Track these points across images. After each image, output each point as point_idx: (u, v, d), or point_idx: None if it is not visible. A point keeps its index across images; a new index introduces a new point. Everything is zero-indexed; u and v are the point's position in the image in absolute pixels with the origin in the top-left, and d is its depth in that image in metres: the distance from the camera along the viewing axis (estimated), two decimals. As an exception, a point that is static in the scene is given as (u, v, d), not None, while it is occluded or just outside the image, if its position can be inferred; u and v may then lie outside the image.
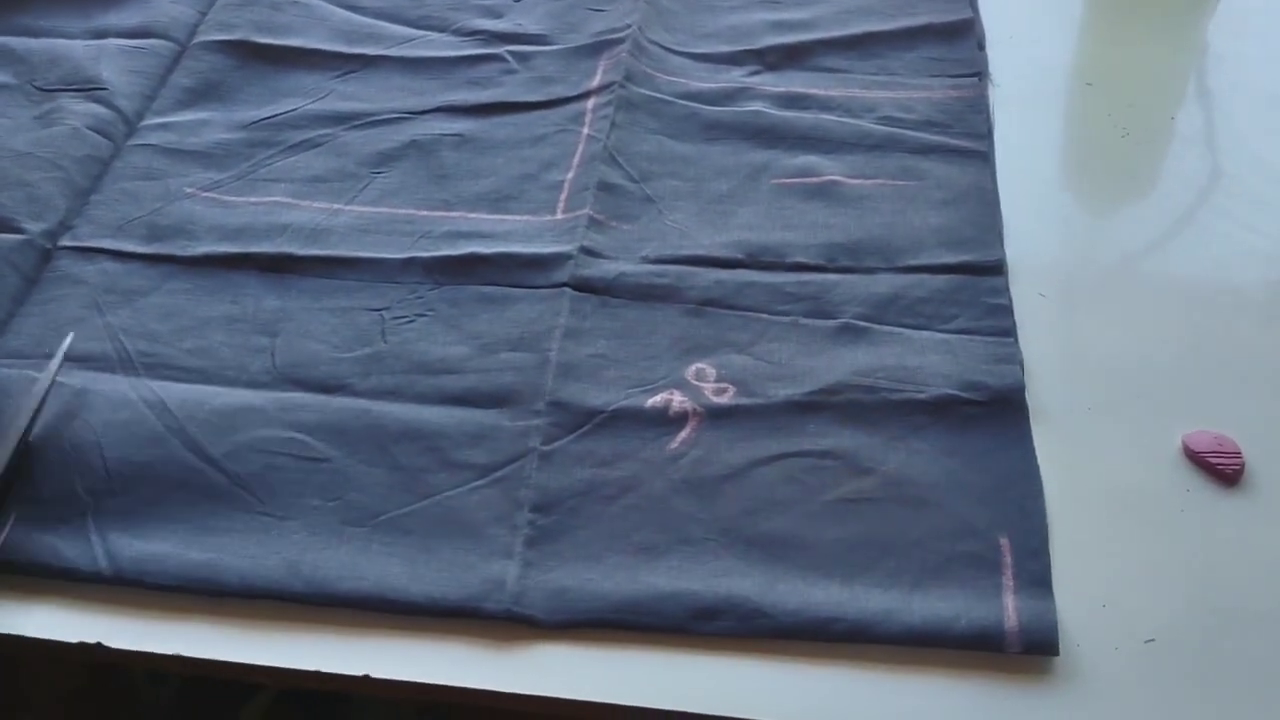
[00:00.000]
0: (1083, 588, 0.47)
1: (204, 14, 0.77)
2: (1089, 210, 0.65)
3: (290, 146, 0.68)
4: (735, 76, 0.72)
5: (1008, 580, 0.46)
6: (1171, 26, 0.78)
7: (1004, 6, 0.78)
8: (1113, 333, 0.57)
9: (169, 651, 0.46)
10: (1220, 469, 0.51)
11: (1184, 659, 0.45)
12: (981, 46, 0.74)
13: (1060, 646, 0.44)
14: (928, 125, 0.68)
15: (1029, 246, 0.62)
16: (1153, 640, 0.45)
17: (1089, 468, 0.51)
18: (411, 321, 0.58)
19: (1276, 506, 0.50)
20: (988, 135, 0.67)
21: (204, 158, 0.68)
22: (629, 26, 0.73)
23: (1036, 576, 0.46)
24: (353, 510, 0.51)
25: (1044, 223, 0.64)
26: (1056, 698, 0.44)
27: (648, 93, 0.70)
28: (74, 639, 0.46)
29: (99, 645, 0.46)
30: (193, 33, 0.76)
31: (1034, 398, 0.54)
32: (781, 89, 0.71)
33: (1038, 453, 0.51)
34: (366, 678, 0.45)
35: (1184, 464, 0.51)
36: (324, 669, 0.46)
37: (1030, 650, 0.44)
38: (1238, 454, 0.51)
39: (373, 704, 0.75)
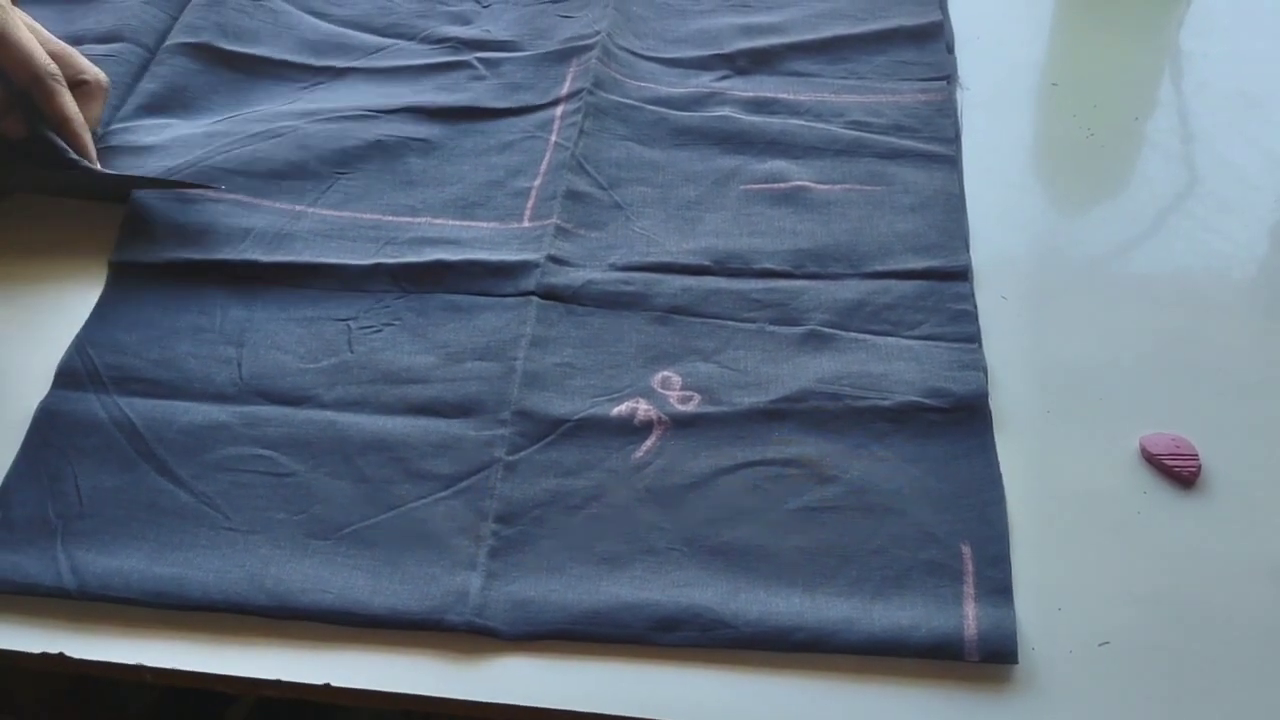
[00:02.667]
0: (1038, 591, 0.47)
1: (175, 18, 0.77)
2: (1052, 212, 0.65)
3: (250, 136, 0.67)
4: (704, 81, 0.72)
5: (968, 588, 0.46)
6: (1141, 27, 0.78)
7: (973, 7, 0.78)
8: (1074, 335, 0.58)
9: (133, 662, 0.46)
10: (1177, 471, 0.51)
11: (1138, 662, 0.45)
12: (950, 49, 0.74)
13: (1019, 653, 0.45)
14: (896, 130, 0.68)
15: (991, 249, 0.62)
16: (1107, 643, 0.46)
17: (1047, 471, 0.52)
18: (379, 331, 0.58)
19: (1232, 508, 0.50)
20: (955, 139, 0.67)
21: (160, 150, 0.67)
22: (598, 33, 0.73)
23: (997, 584, 0.46)
24: (318, 523, 0.51)
25: (1007, 225, 0.64)
26: (1012, 703, 0.44)
27: (617, 99, 0.70)
28: (37, 649, 0.46)
29: (61, 655, 0.46)
30: (163, 38, 0.75)
31: (995, 402, 0.54)
32: (751, 94, 0.71)
33: (1002, 460, 0.52)
34: (327, 686, 0.45)
35: (1142, 466, 0.52)
36: (285, 678, 0.46)
37: (989, 659, 0.44)
38: (1194, 456, 0.51)
39: (358, 710, 0.75)
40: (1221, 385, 0.55)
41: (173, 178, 0.64)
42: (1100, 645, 0.45)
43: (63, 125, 0.64)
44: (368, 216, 0.64)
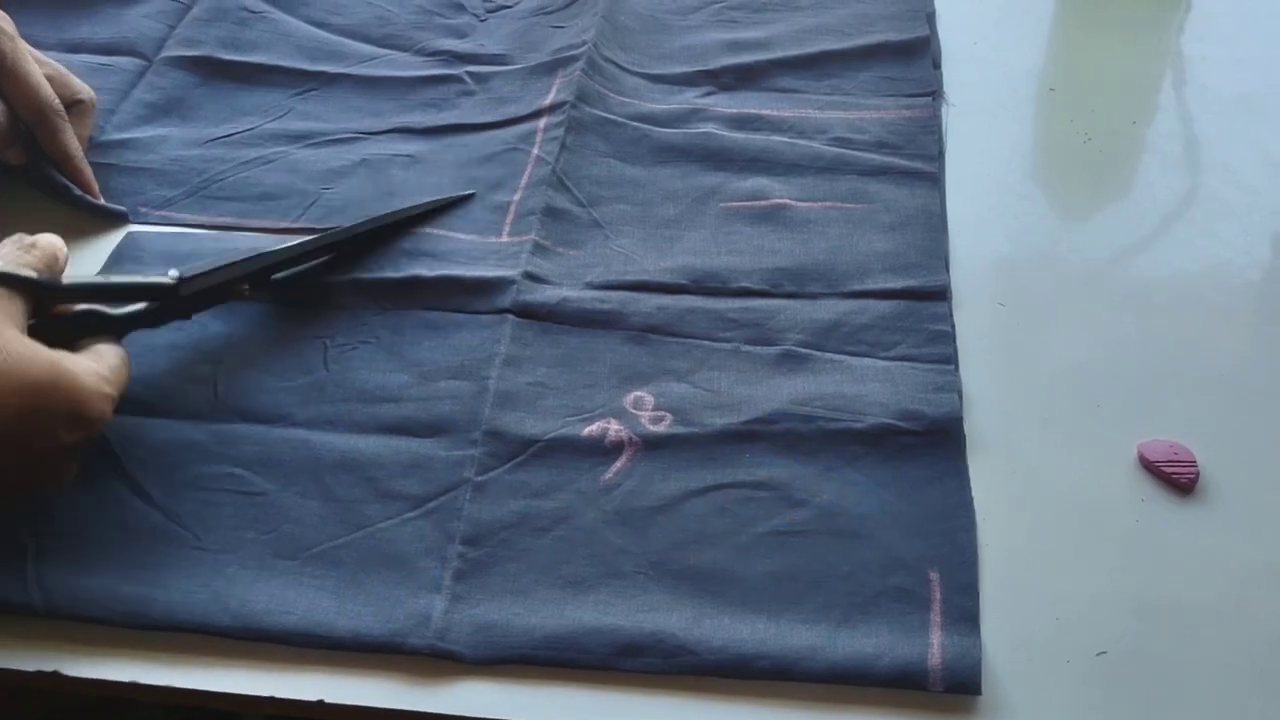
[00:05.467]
0: (1035, 601, 0.47)
1: (173, 28, 0.77)
2: (1050, 217, 0.65)
3: (244, 163, 0.68)
4: (689, 98, 0.72)
5: (935, 616, 0.46)
6: (1139, 31, 0.78)
7: (969, 13, 0.78)
8: (1072, 342, 0.57)
9: (128, 680, 0.46)
10: (1175, 478, 0.50)
11: (1137, 671, 0.45)
12: (937, 65, 0.73)
13: (1013, 662, 0.44)
14: (879, 146, 0.67)
15: (988, 255, 0.62)
16: (1104, 653, 0.45)
17: (1045, 478, 0.51)
18: (355, 349, 0.58)
19: (1231, 515, 0.50)
20: (938, 157, 0.67)
21: (158, 175, 0.68)
22: (585, 43, 0.73)
23: (964, 612, 0.46)
24: (286, 543, 0.50)
25: (1004, 231, 0.63)
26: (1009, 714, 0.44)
27: (600, 113, 0.70)
28: (31, 668, 0.47)
29: (55, 673, 0.46)
30: (160, 48, 0.76)
31: (992, 410, 0.54)
32: (734, 110, 0.70)
33: (990, 470, 0.51)
34: (272, 699, 0.45)
35: (1139, 473, 0.51)
36: (278, 695, 0.46)
37: (952, 689, 0.43)
38: (1193, 463, 0.51)
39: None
40: (1221, 391, 0.55)
41: (169, 211, 0.66)
42: (1098, 655, 0.45)
43: (65, 162, 0.65)
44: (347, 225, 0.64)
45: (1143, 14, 0.79)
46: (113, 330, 0.53)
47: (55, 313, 0.51)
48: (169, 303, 0.54)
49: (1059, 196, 0.66)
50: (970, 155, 0.67)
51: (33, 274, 0.49)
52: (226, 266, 0.56)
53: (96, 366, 0.50)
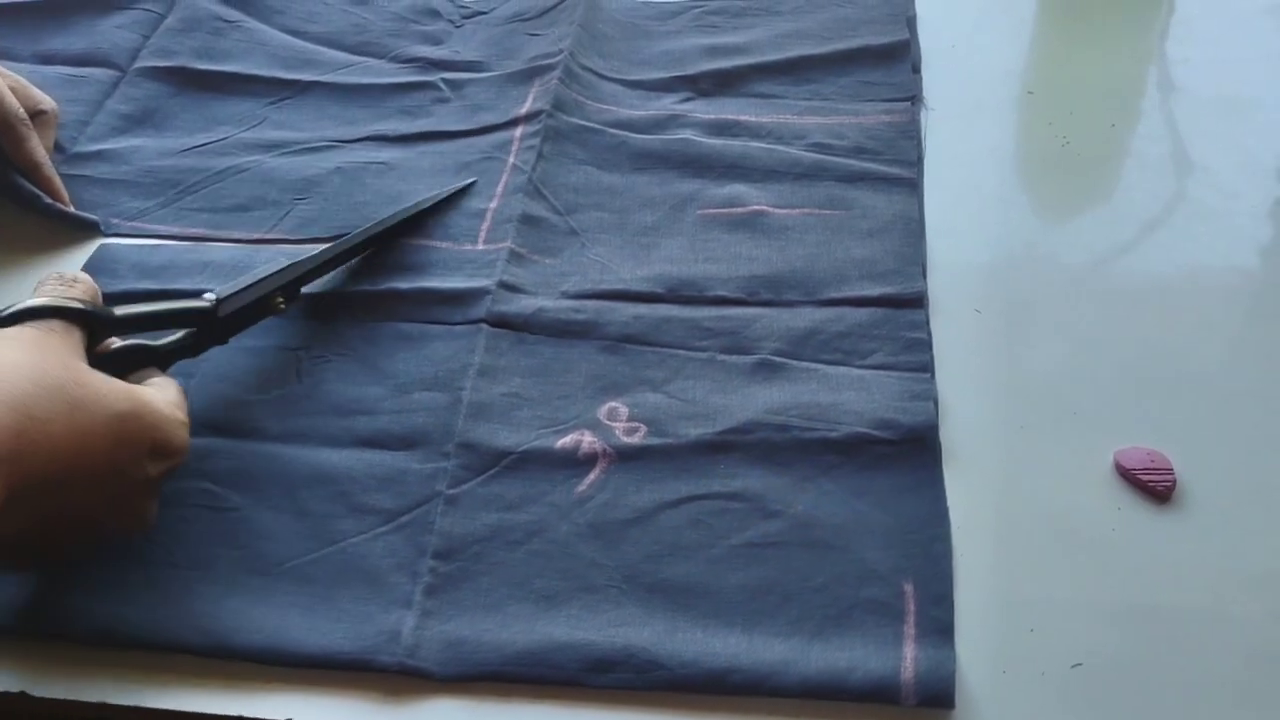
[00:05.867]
0: (1010, 612, 0.46)
1: (146, 38, 0.77)
2: (1027, 222, 0.64)
3: (217, 173, 0.68)
4: (667, 104, 0.71)
5: (909, 629, 0.45)
6: (1120, 34, 0.77)
7: (948, 15, 0.77)
8: (1049, 348, 0.57)
9: (96, 700, 0.46)
10: (1152, 486, 0.50)
11: (1113, 683, 0.44)
12: (917, 69, 0.73)
13: (987, 675, 0.44)
14: (857, 152, 0.67)
15: (965, 260, 0.61)
16: (1080, 665, 0.45)
17: (1021, 487, 0.51)
18: (329, 360, 0.58)
19: (1208, 523, 0.49)
20: (917, 162, 0.66)
21: (132, 186, 0.67)
22: (561, 52, 0.73)
23: (939, 625, 0.45)
24: (258, 559, 0.50)
25: (980, 235, 0.63)
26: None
27: (577, 121, 0.69)
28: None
29: (22, 694, 0.46)
30: (134, 58, 0.75)
31: (968, 418, 0.53)
32: (713, 116, 0.70)
33: (966, 479, 0.51)
34: (240, 718, 0.45)
35: (1116, 482, 0.51)
36: (245, 714, 0.45)
37: (925, 703, 0.43)
38: (1170, 471, 0.50)
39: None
40: (1198, 397, 0.54)
41: (142, 222, 0.65)
42: (1074, 667, 0.44)
43: (33, 170, 0.65)
44: (326, 241, 0.63)
45: (1123, 16, 0.78)
46: (158, 363, 0.52)
47: (99, 349, 0.50)
48: (208, 327, 0.54)
49: (1037, 201, 0.66)
50: (948, 159, 0.67)
51: (87, 306, 0.48)
52: (259, 282, 0.55)
53: (167, 396, 0.48)
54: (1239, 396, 0.54)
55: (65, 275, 0.49)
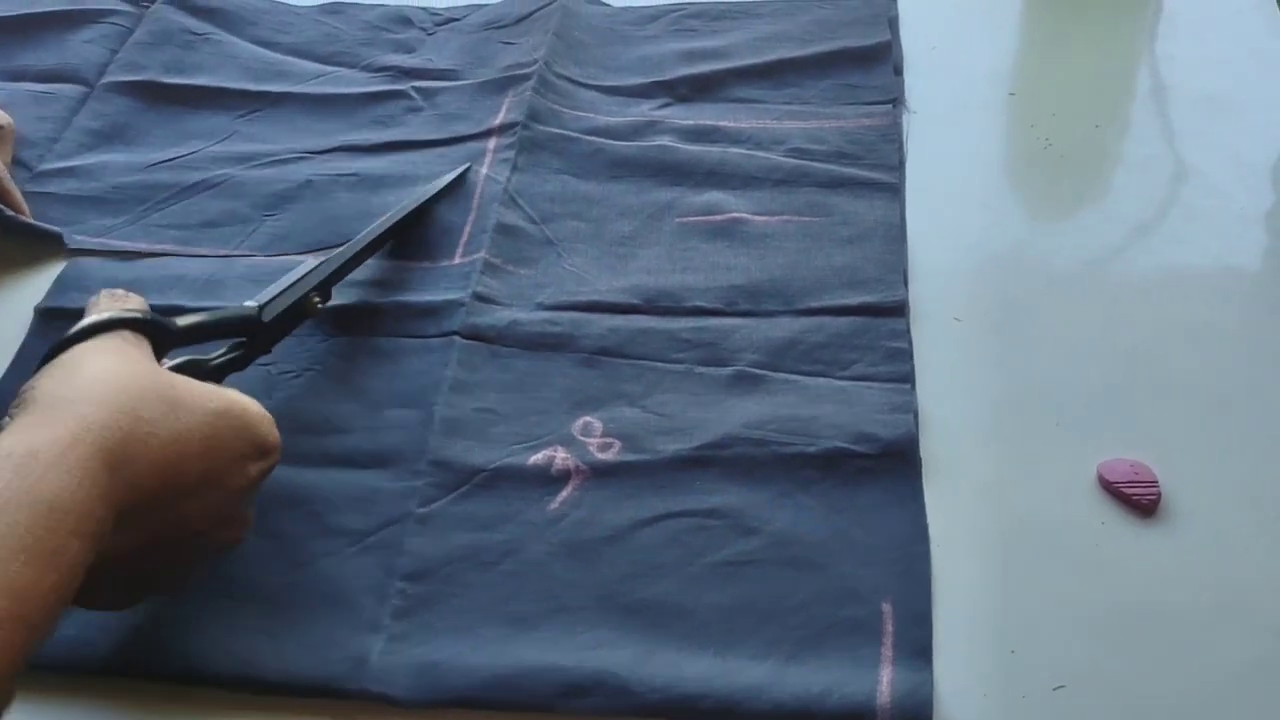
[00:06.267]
0: (990, 632, 0.45)
1: (115, 53, 0.76)
2: (1008, 227, 0.63)
3: (186, 188, 0.67)
4: (644, 110, 0.70)
5: (886, 650, 0.44)
6: (1105, 32, 0.76)
7: (930, 15, 0.76)
8: (1031, 357, 0.55)
9: None
10: (1136, 500, 0.49)
11: (1097, 706, 0.43)
12: (899, 71, 0.72)
13: (967, 698, 0.43)
14: (838, 157, 0.66)
15: (944, 268, 0.60)
16: (1062, 687, 0.43)
17: (1002, 502, 0.50)
18: (299, 377, 0.57)
19: (1194, 537, 0.48)
20: (899, 166, 0.65)
21: (100, 203, 0.66)
22: (536, 61, 0.72)
23: (917, 645, 0.44)
24: (228, 582, 0.49)
25: (960, 241, 0.61)
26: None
27: (554, 130, 0.68)
28: None
29: None
30: (103, 73, 0.74)
31: (948, 429, 0.52)
32: (691, 122, 0.69)
33: (946, 493, 0.50)
34: None
35: (1099, 495, 0.49)
36: None
37: (901, 727, 0.42)
38: (1154, 484, 0.49)
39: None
40: (1183, 407, 0.53)
41: (111, 240, 0.64)
42: (1056, 689, 0.43)
43: None
44: (294, 257, 0.62)
45: (1108, 15, 0.77)
46: (212, 378, 0.51)
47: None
48: (254, 338, 0.53)
49: (1019, 205, 0.65)
50: (930, 163, 0.66)
51: (151, 316, 0.46)
52: (296, 284, 0.55)
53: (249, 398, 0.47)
54: (1225, 406, 0.53)
55: (116, 292, 0.48)
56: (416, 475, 0.52)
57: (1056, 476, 0.50)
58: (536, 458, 0.52)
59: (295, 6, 0.79)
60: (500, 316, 0.58)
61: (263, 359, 0.57)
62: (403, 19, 0.77)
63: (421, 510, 0.50)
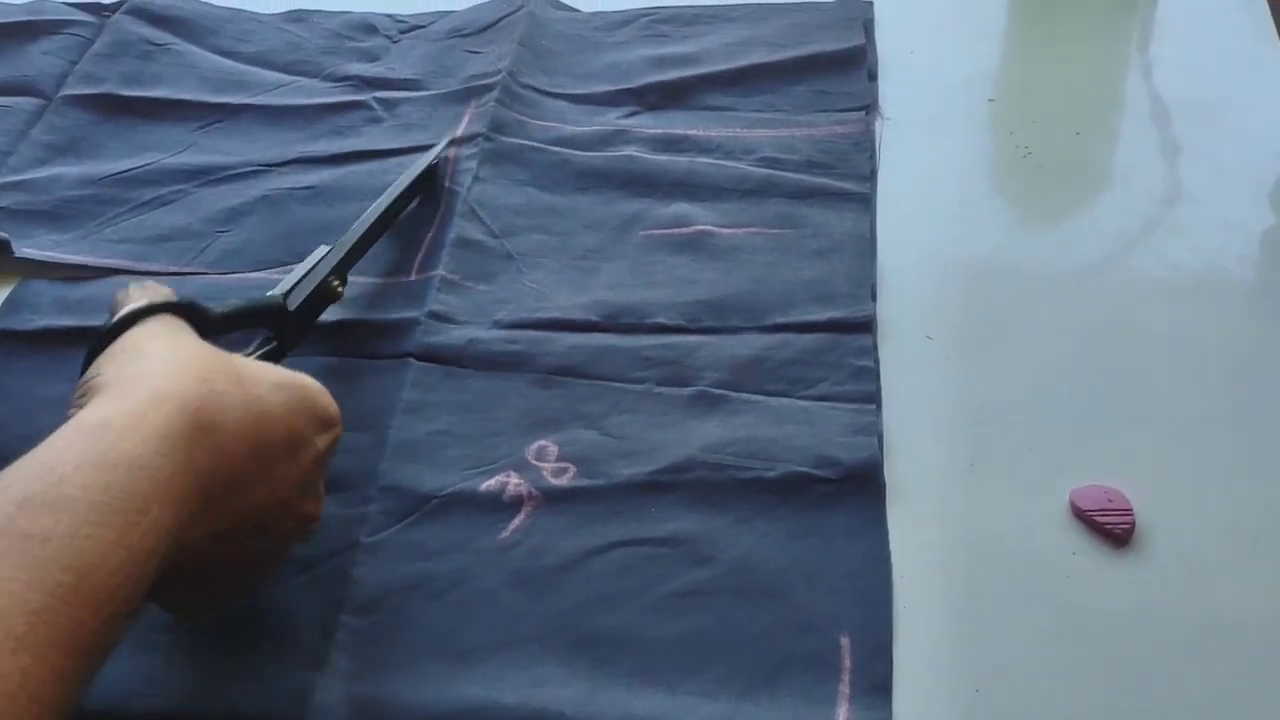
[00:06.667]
0: (953, 669, 0.43)
1: (74, 64, 0.74)
2: (983, 240, 0.61)
3: (141, 204, 0.65)
4: (611, 119, 0.68)
5: (844, 686, 0.42)
6: (1087, 38, 0.73)
7: (909, 20, 0.74)
8: (1004, 376, 0.53)
9: None
10: (1109, 529, 0.47)
11: None
12: (873, 77, 0.70)
13: None
14: (809, 166, 0.64)
15: (915, 283, 0.58)
16: None
17: (969, 530, 0.47)
18: (251, 400, 0.55)
19: (1169, 568, 0.46)
20: (871, 176, 0.63)
21: (50, 218, 0.65)
22: (500, 72, 0.70)
23: (876, 681, 0.42)
24: (166, 613, 0.47)
25: (933, 255, 0.59)
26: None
27: (518, 141, 0.67)
28: None
29: None
30: (60, 85, 0.73)
31: (916, 453, 0.50)
32: (659, 131, 0.67)
33: (911, 519, 0.48)
34: None
35: (1071, 523, 0.47)
36: None
37: (857, 769, 0.40)
38: (1128, 511, 0.47)
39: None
40: (1159, 431, 0.51)
41: (60, 254, 0.62)
42: None
43: None
44: (251, 275, 0.61)
45: (1096, 18, 0.75)
46: None
47: None
48: (282, 328, 0.52)
49: (995, 216, 0.62)
50: (903, 172, 0.64)
51: (190, 299, 0.45)
52: (312, 270, 0.54)
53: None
54: (1205, 429, 0.51)
55: (146, 284, 0.45)
56: (366, 501, 0.50)
57: (1027, 503, 0.48)
58: (489, 483, 0.50)
59: (258, 15, 0.77)
60: (457, 336, 0.57)
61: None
62: (367, 26, 0.76)
63: (369, 539, 0.49)
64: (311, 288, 0.54)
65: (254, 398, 0.40)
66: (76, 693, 0.31)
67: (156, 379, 0.37)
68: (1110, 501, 0.47)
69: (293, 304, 0.53)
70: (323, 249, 0.56)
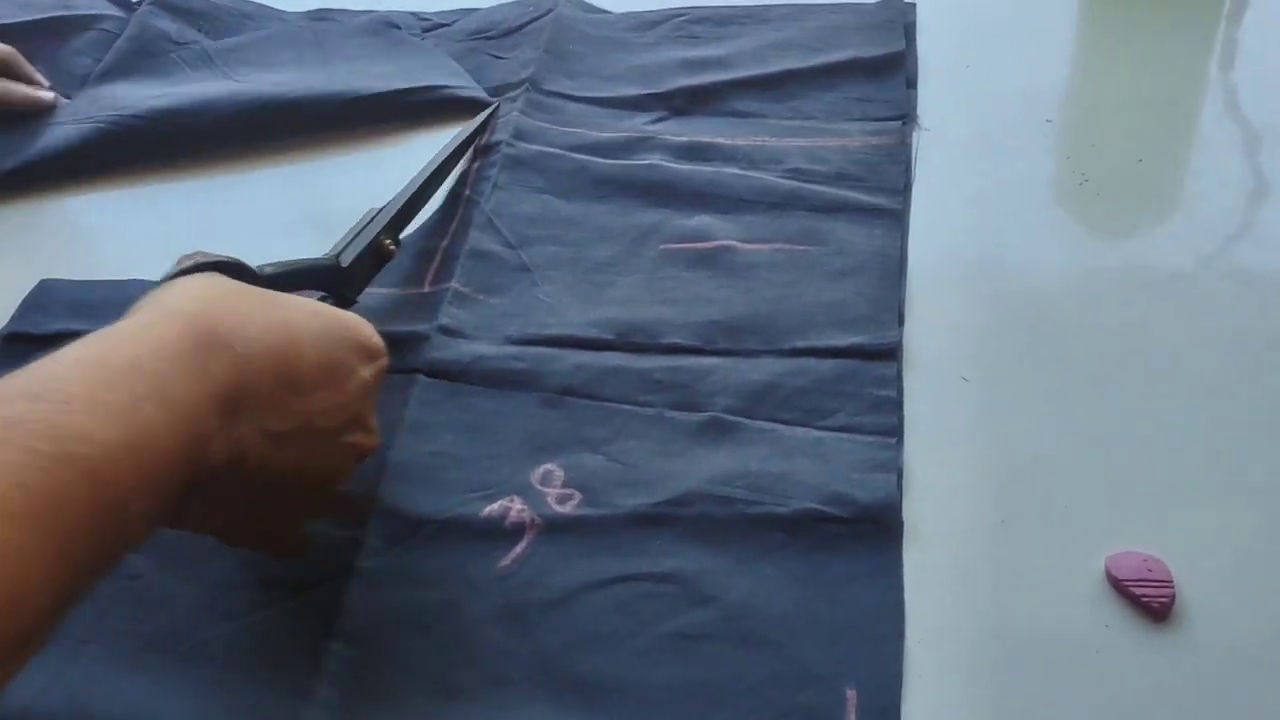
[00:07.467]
0: None
1: (98, 60, 0.74)
2: (1028, 273, 0.56)
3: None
4: (637, 124, 0.66)
5: (845, 745, 0.40)
6: (1166, 56, 0.67)
7: (961, 29, 0.70)
8: (1042, 427, 0.49)
9: None
10: (1147, 602, 0.43)
11: None
12: (912, 84, 0.66)
13: None
14: (838, 179, 0.61)
15: (952, 320, 0.54)
16: None
17: (995, 596, 0.44)
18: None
19: (1208, 649, 0.41)
20: (904, 190, 0.60)
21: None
22: (524, 81, 0.68)
23: (880, 741, 0.40)
24: (158, 634, 0.46)
25: (974, 287, 0.55)
26: None
27: (538, 147, 0.65)
28: None
29: None
30: (84, 83, 0.72)
31: (944, 508, 0.46)
32: (685, 138, 0.64)
33: (933, 574, 0.44)
34: None
35: (1106, 592, 0.43)
36: None
37: (855, 837, 0.38)
38: (1169, 583, 0.43)
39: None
40: (1208, 496, 0.46)
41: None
42: None
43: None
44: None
45: (1168, 37, 0.68)
46: None
47: None
48: (336, 286, 0.53)
49: (1043, 248, 0.57)
50: (947, 193, 0.60)
51: (235, 259, 0.45)
52: (365, 228, 0.54)
53: None
54: (1257, 497, 0.46)
55: (198, 252, 0.46)
56: (360, 524, 0.49)
57: (1059, 569, 0.44)
58: (491, 508, 0.49)
59: (282, 12, 0.76)
60: (465, 351, 0.55)
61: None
62: (389, 25, 0.74)
63: (364, 564, 0.47)
64: (364, 245, 0.54)
65: (281, 319, 0.40)
66: (69, 585, 0.31)
67: (172, 300, 0.38)
68: (1149, 571, 0.43)
69: (345, 260, 0.53)
70: (372, 209, 0.56)
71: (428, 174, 0.59)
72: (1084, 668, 0.42)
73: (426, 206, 0.61)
